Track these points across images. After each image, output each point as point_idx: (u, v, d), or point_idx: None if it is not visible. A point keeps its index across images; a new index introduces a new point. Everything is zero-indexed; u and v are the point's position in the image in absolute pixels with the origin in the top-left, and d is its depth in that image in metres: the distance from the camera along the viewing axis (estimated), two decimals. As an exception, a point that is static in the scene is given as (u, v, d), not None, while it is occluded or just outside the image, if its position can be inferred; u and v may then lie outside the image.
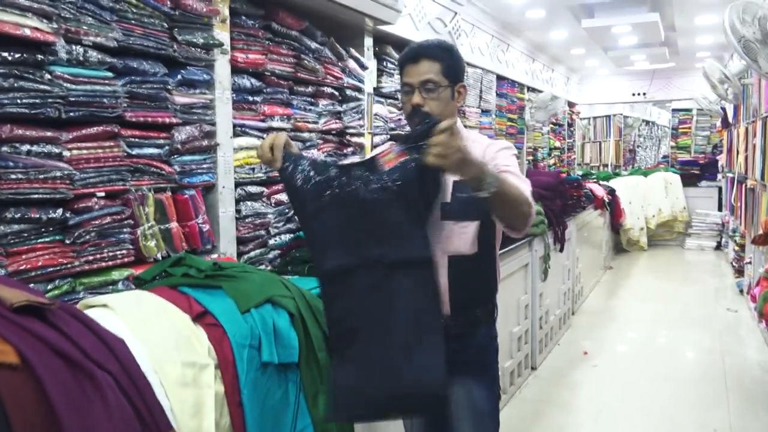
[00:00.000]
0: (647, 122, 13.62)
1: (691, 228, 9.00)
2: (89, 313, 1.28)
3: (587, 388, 3.69)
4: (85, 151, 1.94)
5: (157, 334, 1.23)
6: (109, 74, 1.99)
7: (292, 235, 2.86)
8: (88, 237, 1.94)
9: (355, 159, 1.78)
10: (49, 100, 1.81)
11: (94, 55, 1.93)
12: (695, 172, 9.64)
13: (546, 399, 3.48)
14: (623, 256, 8.16)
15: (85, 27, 1.90)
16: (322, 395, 1.48)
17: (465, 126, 1.93)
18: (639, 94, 9.76)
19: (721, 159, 8.27)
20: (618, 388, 3.69)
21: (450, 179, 1.57)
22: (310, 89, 3.05)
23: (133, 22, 2.07)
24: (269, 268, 2.70)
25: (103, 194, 2.00)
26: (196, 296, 1.41)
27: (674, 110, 11.04)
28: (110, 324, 1.20)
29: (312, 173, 1.48)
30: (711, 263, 7.89)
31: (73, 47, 1.88)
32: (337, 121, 3.27)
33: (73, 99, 1.87)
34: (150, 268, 1.70)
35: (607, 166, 11.65)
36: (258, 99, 2.71)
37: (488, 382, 1.73)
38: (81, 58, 1.90)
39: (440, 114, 1.60)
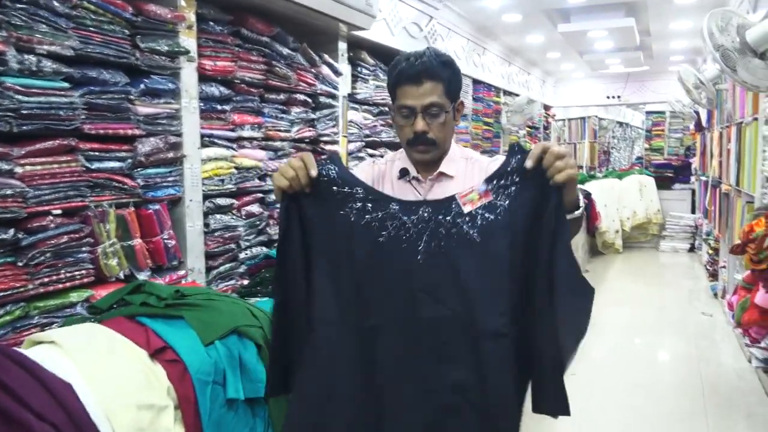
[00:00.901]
0: (621, 124, 13.75)
1: (665, 230, 9.07)
2: (35, 351, 1.17)
3: (566, 399, 3.65)
4: (39, 167, 1.83)
5: (109, 375, 1.13)
6: (65, 85, 1.88)
7: (263, 249, 2.77)
8: (42, 258, 1.83)
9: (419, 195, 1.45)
10: (-1, 113, 1.70)
11: (48, 64, 1.82)
12: (669, 174, 9.72)
13: (524, 411, 3.42)
14: (599, 258, 8.19)
15: (38, 35, 1.79)
16: (292, 431, 1.39)
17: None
18: (613, 97, 9.81)
19: (695, 162, 8.35)
20: (597, 399, 3.65)
21: None
22: (281, 96, 2.96)
23: (91, 29, 1.96)
24: (239, 283, 2.61)
25: (59, 212, 1.89)
26: (156, 328, 1.31)
27: (648, 113, 11.15)
28: (57, 365, 1.10)
29: (370, 206, 1.21)
30: (685, 265, 7.95)
31: (25, 57, 1.77)
32: (311, 128, 3.18)
33: (25, 112, 1.76)
34: (106, 296, 1.60)
35: (581, 167, 11.71)
36: (227, 108, 2.61)
37: None
38: (34, 68, 1.78)
39: (445, 138, 1.48)
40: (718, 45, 2.71)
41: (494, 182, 1.19)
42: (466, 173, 1.51)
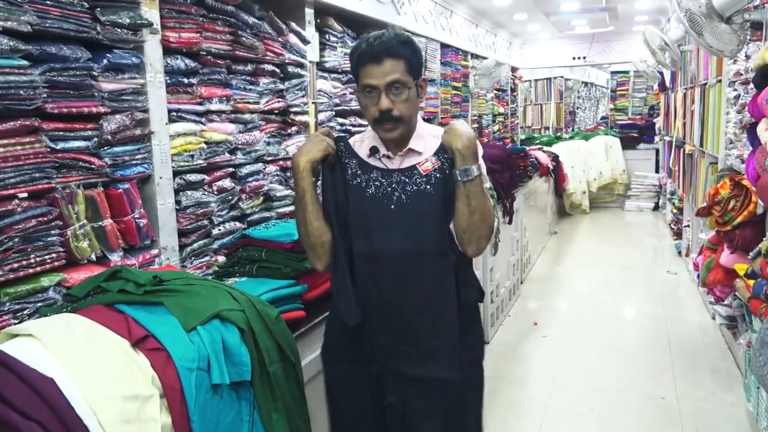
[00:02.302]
0: (586, 83, 13.84)
1: (630, 190, 9.25)
2: (12, 345, 1.15)
3: (539, 361, 3.74)
4: (1, 149, 1.76)
5: (92, 367, 1.11)
6: (24, 62, 1.80)
7: (236, 224, 2.74)
8: (11, 243, 1.78)
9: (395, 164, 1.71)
10: (-45, 95, 1.63)
11: (5, 42, 1.73)
12: (634, 135, 9.85)
13: (500, 375, 3.51)
14: (566, 220, 8.33)
15: (-8, 10, 1.70)
16: (276, 413, 1.40)
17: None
18: (579, 58, 9.85)
19: (659, 122, 8.48)
20: (568, 360, 3.75)
21: None
22: (249, 67, 2.89)
23: (48, 2, 1.87)
24: (213, 260, 2.58)
25: (25, 195, 1.83)
26: (136, 316, 1.29)
27: (613, 73, 11.23)
28: (37, 359, 1.08)
29: (359, 171, 1.64)
30: (650, 224, 8.14)
31: (-20, 34, 1.68)
32: (280, 99, 3.12)
33: (-18, 92, 1.69)
34: (82, 284, 1.56)
35: (548, 128, 11.81)
36: (194, 81, 2.54)
37: None
38: (-10, 46, 1.70)
39: (410, 115, 1.59)
40: (684, 9, 2.73)
41: (439, 155, 1.63)
42: (429, 147, 1.64)
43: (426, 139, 1.65)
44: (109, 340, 1.19)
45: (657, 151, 9.15)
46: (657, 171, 9.08)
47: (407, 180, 1.59)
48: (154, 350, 1.22)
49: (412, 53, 1.55)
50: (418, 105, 1.62)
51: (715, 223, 3.00)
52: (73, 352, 1.12)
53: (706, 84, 4.46)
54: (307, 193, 1.60)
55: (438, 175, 1.59)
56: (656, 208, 8.84)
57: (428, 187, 1.58)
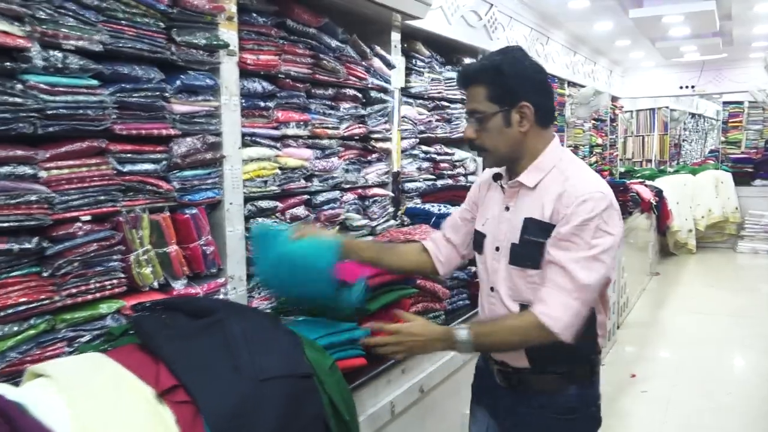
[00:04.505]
0: (693, 115, 13.03)
1: (743, 230, 8.46)
2: (29, 387, 1.03)
3: (638, 419, 3.34)
4: (66, 171, 1.71)
5: (106, 420, 0.97)
6: (94, 82, 1.75)
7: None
8: (70, 267, 1.71)
9: None
10: (22, 114, 1.58)
11: (75, 61, 1.69)
12: (749, 170, 9.04)
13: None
14: (670, 260, 7.70)
15: (64, 29, 1.67)
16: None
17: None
18: (687, 87, 9.23)
19: (778, 156, 7.74)
20: (673, 421, 3.32)
21: (520, 218, 1.47)
22: (329, 91, 2.78)
23: (123, 22, 1.82)
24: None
25: (88, 218, 1.77)
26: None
27: (725, 103, 10.46)
28: (47, 406, 0.95)
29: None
30: (767, 269, 7.37)
31: (51, 53, 1.64)
32: (361, 125, 2.99)
33: (51, 112, 1.64)
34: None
35: (650, 161, 11.17)
36: (271, 104, 2.45)
37: None
38: (60, 65, 1.66)
39: (498, 146, 1.47)
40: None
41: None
42: (548, 186, 1.44)
43: (545, 173, 1.46)
44: (132, 387, 1.06)
45: (776, 187, 8.35)
46: (776, 209, 8.26)
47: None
48: (182, 403, 1.07)
49: (496, 77, 1.42)
50: (513, 135, 1.45)
51: None
52: (90, 400, 0.99)
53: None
54: None
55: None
56: (775, 250, 8.01)
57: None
